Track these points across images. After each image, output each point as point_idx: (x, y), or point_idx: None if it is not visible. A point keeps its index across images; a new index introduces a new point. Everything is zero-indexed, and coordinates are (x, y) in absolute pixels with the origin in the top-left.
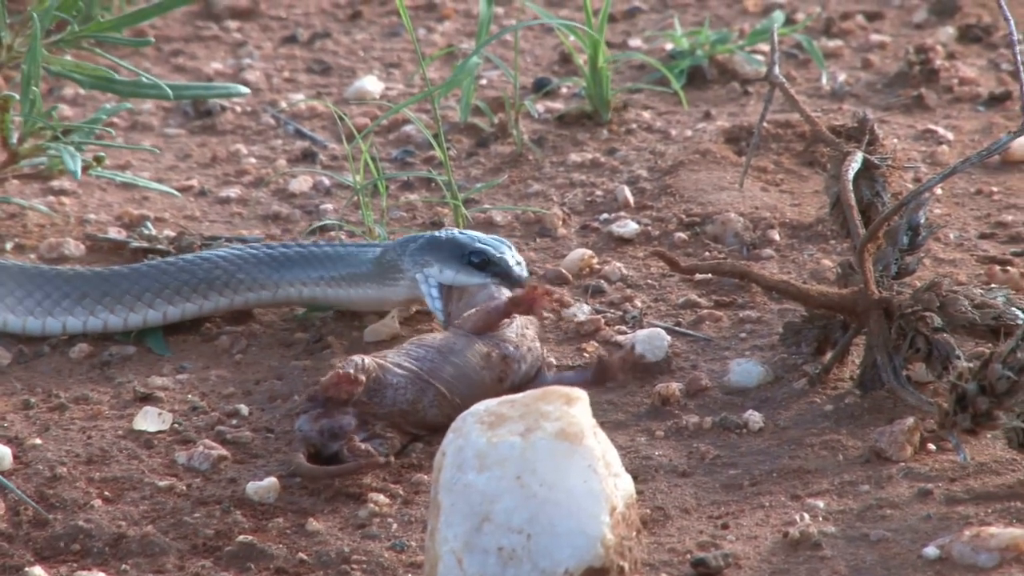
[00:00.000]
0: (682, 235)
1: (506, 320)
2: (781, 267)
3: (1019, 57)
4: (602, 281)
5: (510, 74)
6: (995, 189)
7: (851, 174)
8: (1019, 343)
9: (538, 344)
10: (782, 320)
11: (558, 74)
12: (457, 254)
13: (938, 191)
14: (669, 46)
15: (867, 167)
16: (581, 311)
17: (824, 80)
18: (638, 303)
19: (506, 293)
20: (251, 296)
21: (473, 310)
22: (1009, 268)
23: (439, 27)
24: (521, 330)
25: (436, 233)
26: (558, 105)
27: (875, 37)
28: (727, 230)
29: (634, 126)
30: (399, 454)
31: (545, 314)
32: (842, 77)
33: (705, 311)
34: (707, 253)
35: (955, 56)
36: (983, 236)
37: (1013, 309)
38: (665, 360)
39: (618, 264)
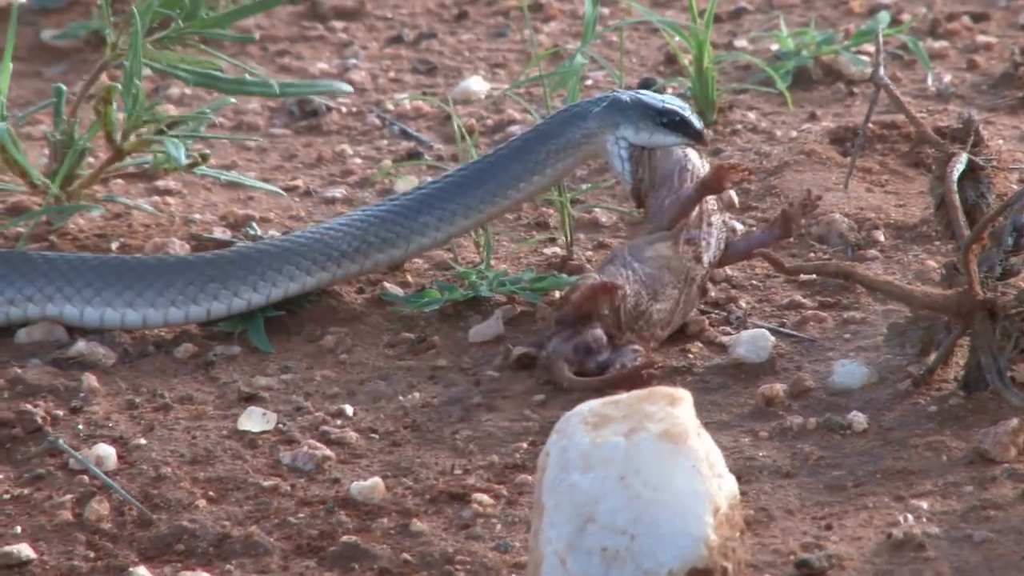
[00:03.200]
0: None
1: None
2: (886, 268)
3: None
4: (707, 282)
5: (615, 74)
6: None
7: (956, 175)
8: None
9: (719, 216)
10: (886, 321)
11: (663, 74)
12: (648, 115)
13: None
14: (775, 47)
15: (972, 168)
16: None
17: (929, 81)
18: (743, 304)
19: (690, 155)
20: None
21: (668, 202)
22: None
23: (545, 27)
24: (699, 209)
25: (618, 95)
26: None
27: (981, 38)
28: (832, 231)
29: (739, 127)
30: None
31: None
32: (947, 78)
33: (809, 312)
34: (812, 254)
35: None
36: None
37: None
38: (769, 361)
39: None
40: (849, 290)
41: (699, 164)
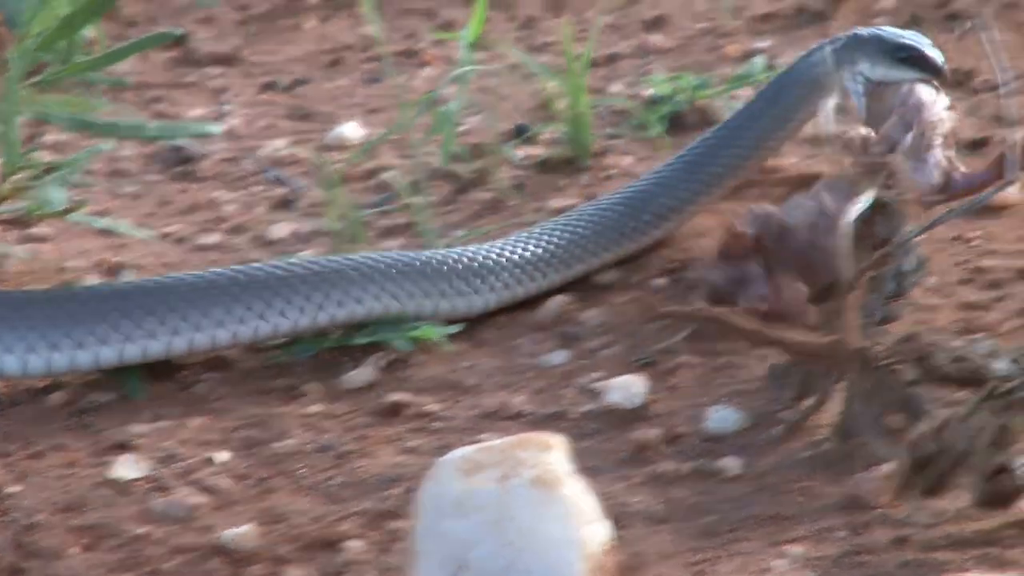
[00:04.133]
0: (662, 281)
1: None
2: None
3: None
4: (580, 327)
5: (490, 119)
6: (974, 235)
7: (855, 214)
8: (977, 405)
9: (941, 154)
10: (760, 366)
11: (539, 119)
12: (886, 50)
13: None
14: (650, 92)
15: (881, 204)
16: (556, 356)
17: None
18: (617, 348)
19: (921, 92)
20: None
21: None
22: (987, 314)
23: (420, 73)
24: (928, 142)
25: (857, 31)
26: (538, 151)
27: None
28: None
29: (614, 171)
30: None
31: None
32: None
33: (683, 356)
34: (688, 299)
35: None
36: (962, 282)
37: (992, 362)
38: (642, 406)
39: (597, 310)
40: (723, 335)
41: (928, 99)
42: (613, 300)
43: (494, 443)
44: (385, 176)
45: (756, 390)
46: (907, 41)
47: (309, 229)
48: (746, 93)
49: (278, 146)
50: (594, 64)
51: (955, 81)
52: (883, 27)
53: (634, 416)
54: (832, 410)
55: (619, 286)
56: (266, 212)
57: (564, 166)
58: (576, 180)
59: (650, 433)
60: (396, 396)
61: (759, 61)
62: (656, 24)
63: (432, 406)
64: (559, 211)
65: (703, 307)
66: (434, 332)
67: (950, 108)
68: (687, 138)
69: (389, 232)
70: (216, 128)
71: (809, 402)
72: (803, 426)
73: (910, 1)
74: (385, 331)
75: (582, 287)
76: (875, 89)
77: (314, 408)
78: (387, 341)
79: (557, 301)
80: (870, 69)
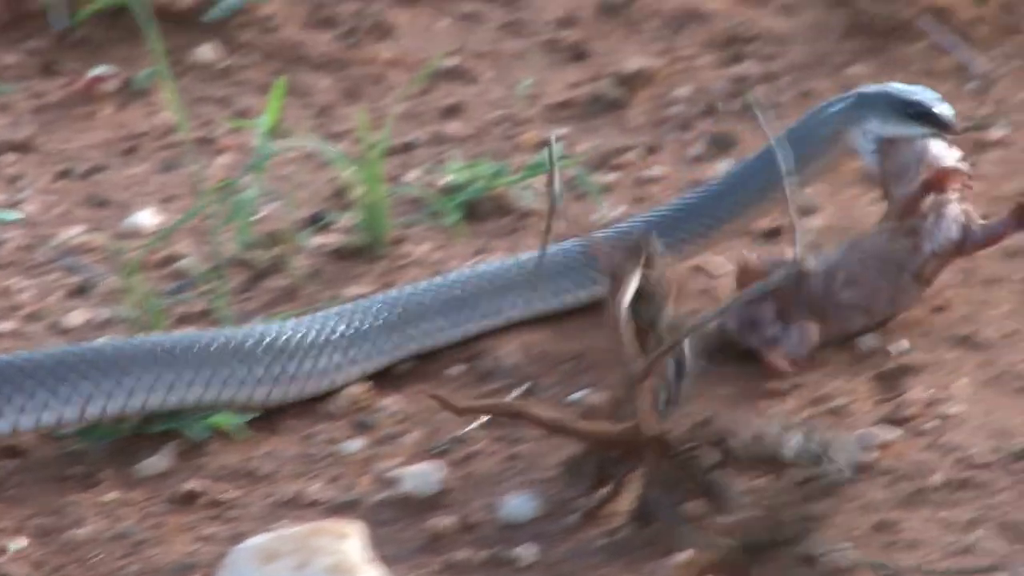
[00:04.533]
0: (457, 370)
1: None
2: (558, 401)
3: (789, 196)
4: (376, 415)
5: (286, 207)
6: None
7: (627, 299)
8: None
9: (958, 208)
10: (556, 454)
11: (335, 207)
12: (895, 106)
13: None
14: (446, 179)
15: (644, 292)
16: (352, 444)
17: (601, 213)
18: (413, 436)
19: (932, 147)
20: None
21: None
22: (782, 402)
23: (217, 160)
24: (945, 197)
25: (863, 89)
26: (334, 238)
27: (652, 171)
28: (500, 365)
29: (411, 259)
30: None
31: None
32: (620, 210)
33: (479, 445)
34: (483, 388)
35: None
36: (754, 370)
37: (788, 445)
38: (439, 494)
39: (393, 398)
40: (519, 423)
41: (941, 154)
42: (409, 388)
43: (290, 531)
44: (181, 263)
45: (553, 478)
46: (915, 97)
47: (105, 317)
48: (542, 181)
49: (74, 233)
50: (390, 152)
51: None
52: (891, 83)
53: (430, 504)
54: (629, 497)
55: (415, 374)
56: (62, 300)
57: (360, 254)
58: (372, 268)
59: (446, 521)
60: (192, 484)
61: (556, 149)
62: (452, 112)
63: (228, 494)
64: (354, 299)
65: (498, 401)
66: (229, 420)
67: (963, 161)
68: (483, 226)
69: (186, 319)
70: (11, 215)
71: (605, 490)
72: (599, 514)
73: (704, 91)
74: (180, 419)
75: (378, 376)
76: (887, 146)
77: (110, 496)
78: (183, 428)
79: (353, 389)
80: (880, 127)
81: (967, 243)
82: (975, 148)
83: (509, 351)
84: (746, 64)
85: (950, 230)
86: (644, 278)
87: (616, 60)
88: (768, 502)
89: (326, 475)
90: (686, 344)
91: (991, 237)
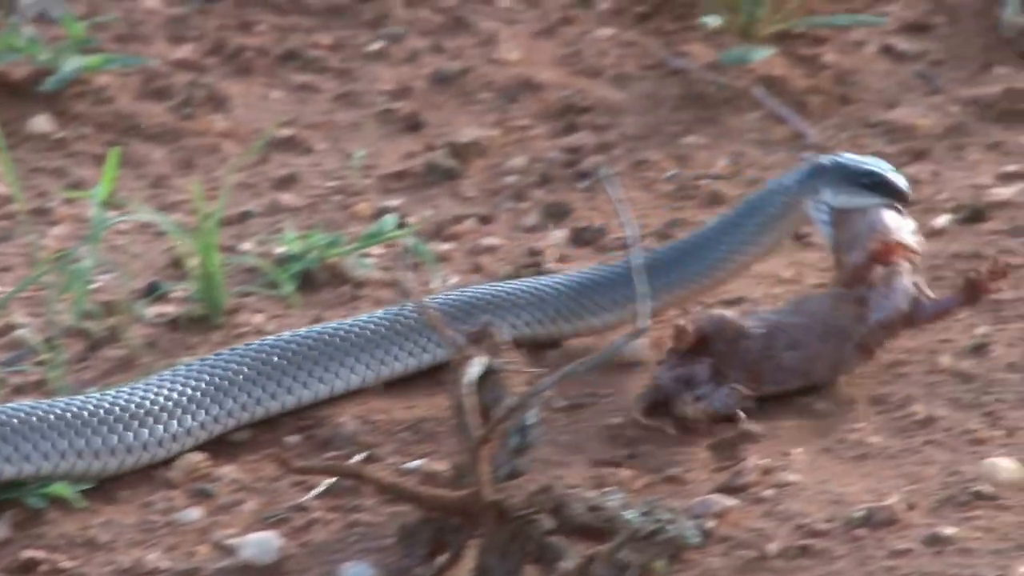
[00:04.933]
0: (295, 438)
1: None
2: (396, 468)
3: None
4: (214, 483)
5: (122, 277)
6: (606, 391)
7: (471, 378)
8: (620, 545)
9: (908, 280)
10: (395, 522)
11: (170, 277)
12: (848, 176)
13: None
14: (281, 249)
15: (489, 371)
16: (191, 513)
17: (436, 282)
18: (251, 505)
19: (884, 217)
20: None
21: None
22: (620, 470)
23: (52, 231)
24: (896, 268)
25: (818, 160)
26: (170, 308)
27: (486, 240)
28: (338, 433)
29: (246, 329)
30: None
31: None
32: (454, 279)
33: (317, 513)
34: (321, 456)
35: (567, 259)
36: (596, 439)
37: (625, 513)
38: (277, 563)
39: (230, 466)
40: (357, 492)
41: (893, 223)
42: (246, 457)
43: None
44: (17, 334)
45: (390, 546)
46: (869, 167)
47: None
48: (378, 251)
49: None
50: (226, 222)
51: (585, 240)
52: (844, 154)
53: (269, 572)
54: (467, 565)
55: (252, 443)
56: None
57: (196, 324)
58: (208, 338)
59: None
60: (30, 553)
61: (390, 219)
62: (286, 182)
63: (66, 563)
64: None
65: (338, 463)
66: (66, 489)
67: (916, 232)
68: (319, 295)
69: (21, 390)
70: None
71: (443, 557)
72: None
73: (540, 159)
74: (18, 488)
75: (215, 444)
76: (839, 216)
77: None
78: (21, 498)
79: (191, 457)
80: (833, 197)
81: (916, 316)
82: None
83: (347, 419)
84: (580, 134)
85: (899, 301)
86: (487, 363)
87: (450, 130)
88: (607, 553)
89: (164, 543)
90: (529, 414)
91: (940, 312)
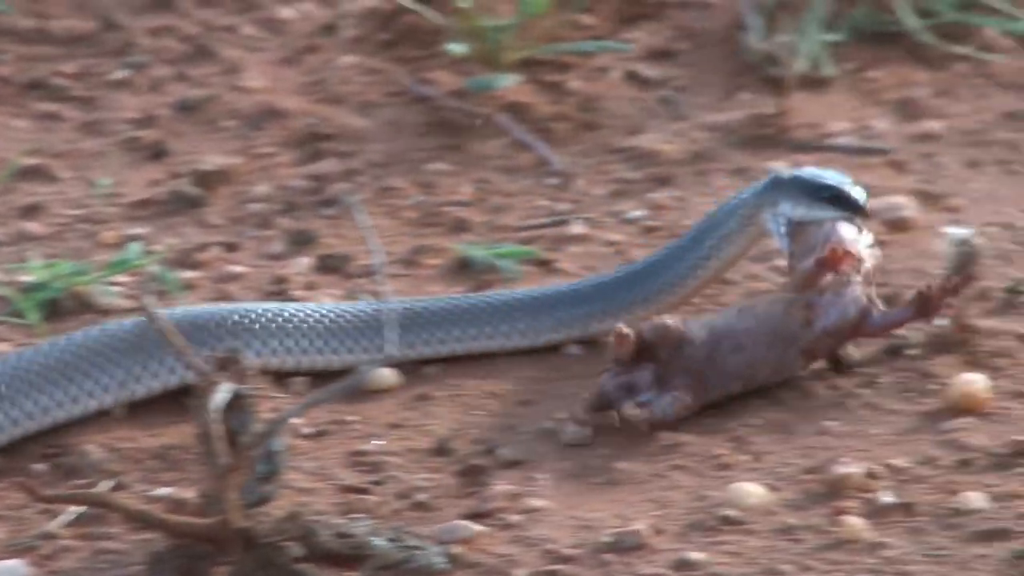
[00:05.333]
0: (41, 466)
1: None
2: (144, 495)
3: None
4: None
5: None
6: (353, 418)
7: (218, 404)
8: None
9: (860, 290)
10: (143, 549)
11: None
12: (807, 190)
13: (296, 421)
14: (26, 278)
15: (237, 398)
16: None
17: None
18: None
19: (841, 230)
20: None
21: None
22: (367, 496)
23: None
24: (846, 278)
25: (778, 173)
26: None
27: (233, 268)
28: (85, 461)
29: None
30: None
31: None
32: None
33: (66, 541)
34: (67, 484)
35: (314, 286)
36: (343, 466)
37: (373, 539)
38: None
39: None
40: (105, 519)
41: (849, 236)
42: None
43: None
44: None
45: (139, 573)
46: (828, 181)
47: None
48: (124, 279)
49: None
50: None
51: (331, 267)
52: (804, 167)
53: None
54: None
55: None
56: None
57: None
58: None
59: None
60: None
61: (135, 247)
62: (32, 211)
63: None
64: None
65: (85, 491)
66: None
67: (873, 246)
68: (65, 324)
69: None
70: None
71: None
72: None
73: (285, 186)
74: None
75: None
76: (799, 229)
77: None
78: None
79: None
80: (791, 209)
81: (865, 326)
82: (555, 243)
83: (92, 447)
84: (325, 162)
85: (847, 310)
86: (234, 389)
87: (194, 158)
88: None
89: None
90: (276, 440)
91: (890, 324)
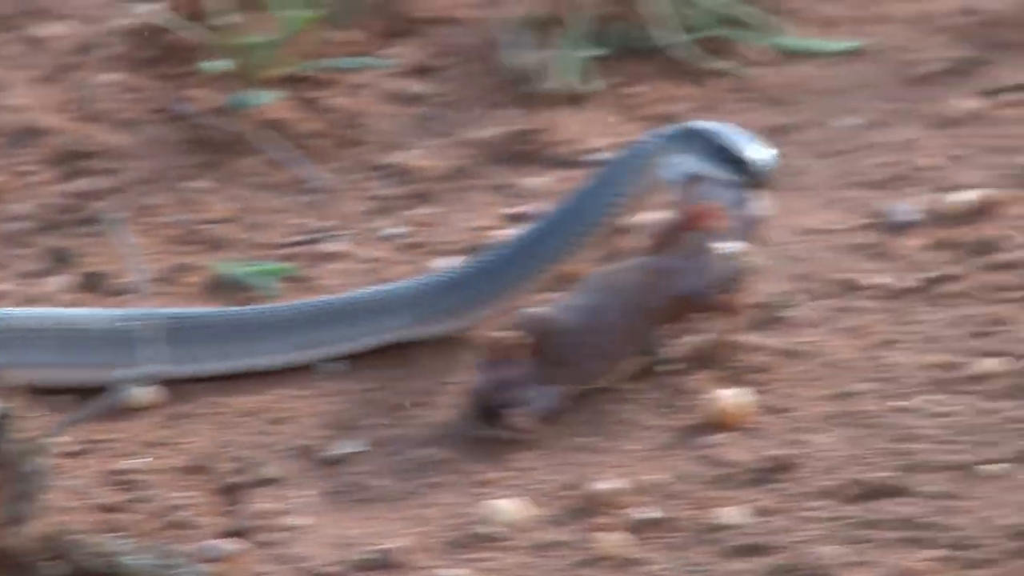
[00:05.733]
0: None
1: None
2: None
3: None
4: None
5: None
6: (110, 437)
7: None
8: None
9: (718, 255)
10: None
11: None
12: (707, 147)
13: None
14: None
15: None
16: None
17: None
18: None
19: (724, 193)
20: None
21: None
22: (126, 515)
23: None
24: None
25: (690, 125)
26: None
27: None
28: None
29: None
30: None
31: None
32: None
33: None
34: None
35: (77, 304)
36: (102, 484)
37: (132, 558)
38: None
39: None
40: None
41: (735, 200)
42: None
43: None
44: None
45: None
46: (731, 139)
47: None
48: None
49: None
50: None
51: (91, 285)
52: (713, 123)
53: None
54: None
55: None
56: None
57: None
58: None
59: None
60: None
61: None
62: None
63: None
64: None
65: None
66: None
67: (762, 210)
68: None
69: None
70: None
71: None
72: None
73: (45, 204)
74: None
75: None
76: (693, 184)
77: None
78: None
79: None
80: (694, 164)
81: (720, 294)
82: (314, 260)
83: None
84: (85, 180)
85: (706, 275)
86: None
87: None
88: None
89: None
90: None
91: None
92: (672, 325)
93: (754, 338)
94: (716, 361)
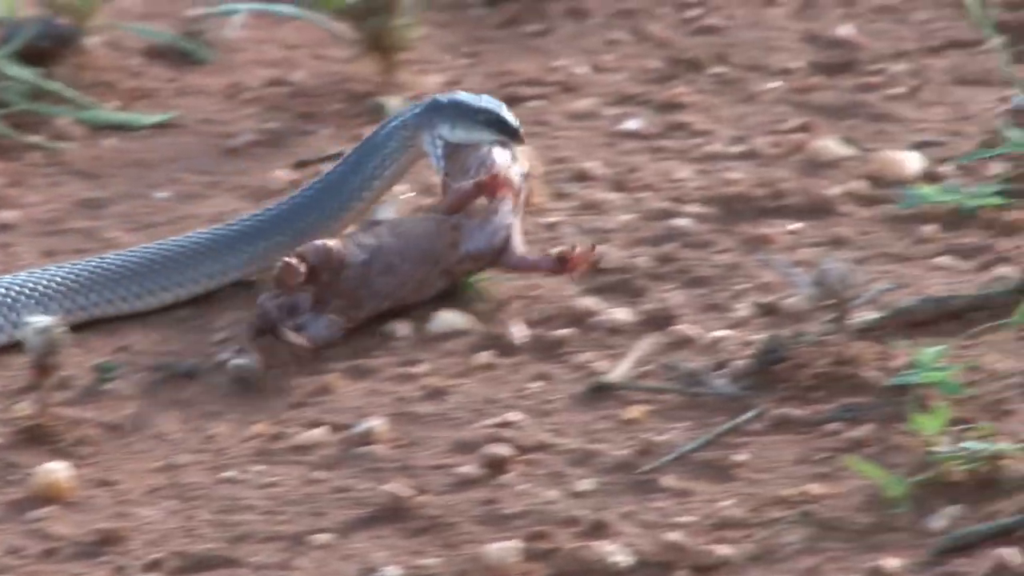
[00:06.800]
0: None
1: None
2: None
3: None
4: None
5: None
6: None
7: None
8: None
9: (511, 220)
10: None
11: None
12: (465, 113)
13: None
14: None
15: None
16: None
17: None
18: None
19: (495, 154)
20: None
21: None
22: None
23: None
24: (497, 205)
25: (437, 97)
26: None
27: None
28: None
29: None
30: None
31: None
32: None
33: None
34: None
35: None
36: None
37: None
38: None
39: None
40: None
41: (504, 161)
42: None
43: None
44: None
45: None
46: (484, 104)
47: None
48: None
49: None
50: None
51: None
52: (461, 92)
53: None
54: None
55: None
56: None
57: None
58: None
59: None
60: None
61: None
62: None
63: None
64: None
65: None
66: None
67: (527, 174)
68: None
69: None
70: None
71: None
72: None
73: None
74: None
75: None
76: (454, 151)
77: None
78: None
79: None
80: (449, 132)
81: (505, 257)
82: None
83: None
84: None
85: (493, 237)
86: None
87: None
88: None
89: None
90: None
91: (527, 265)
92: (451, 279)
93: (75, 411)
94: (41, 436)
